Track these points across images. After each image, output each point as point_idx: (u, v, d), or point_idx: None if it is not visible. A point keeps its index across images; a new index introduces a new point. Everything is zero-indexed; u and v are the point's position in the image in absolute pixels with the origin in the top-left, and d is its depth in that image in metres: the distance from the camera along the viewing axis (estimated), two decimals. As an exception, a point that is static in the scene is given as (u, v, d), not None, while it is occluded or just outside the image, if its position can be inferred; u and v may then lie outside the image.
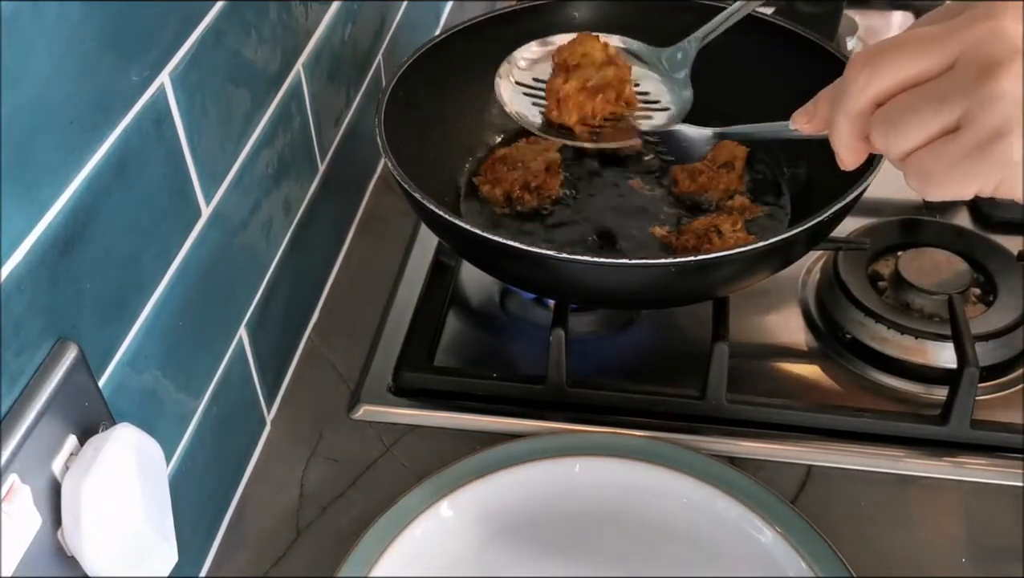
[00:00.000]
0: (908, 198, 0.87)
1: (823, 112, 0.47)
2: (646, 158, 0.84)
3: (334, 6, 0.78)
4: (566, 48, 0.76)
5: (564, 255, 0.62)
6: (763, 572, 0.60)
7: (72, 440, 0.45)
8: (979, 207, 0.86)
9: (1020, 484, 0.66)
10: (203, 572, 0.63)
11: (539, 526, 0.64)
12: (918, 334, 0.72)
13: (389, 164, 0.69)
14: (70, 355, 0.45)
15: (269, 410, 0.73)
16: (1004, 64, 0.38)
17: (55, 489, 0.44)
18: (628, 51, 0.78)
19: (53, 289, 0.44)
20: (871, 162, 0.65)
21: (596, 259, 0.63)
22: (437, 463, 0.65)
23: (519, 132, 0.85)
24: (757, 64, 0.78)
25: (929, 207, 0.86)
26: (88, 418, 0.46)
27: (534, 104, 0.76)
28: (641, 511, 0.64)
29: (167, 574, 0.50)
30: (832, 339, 0.76)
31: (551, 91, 0.74)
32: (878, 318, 0.73)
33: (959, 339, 0.68)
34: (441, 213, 0.65)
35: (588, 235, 0.79)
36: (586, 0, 0.86)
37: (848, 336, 0.75)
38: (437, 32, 1.02)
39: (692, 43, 0.76)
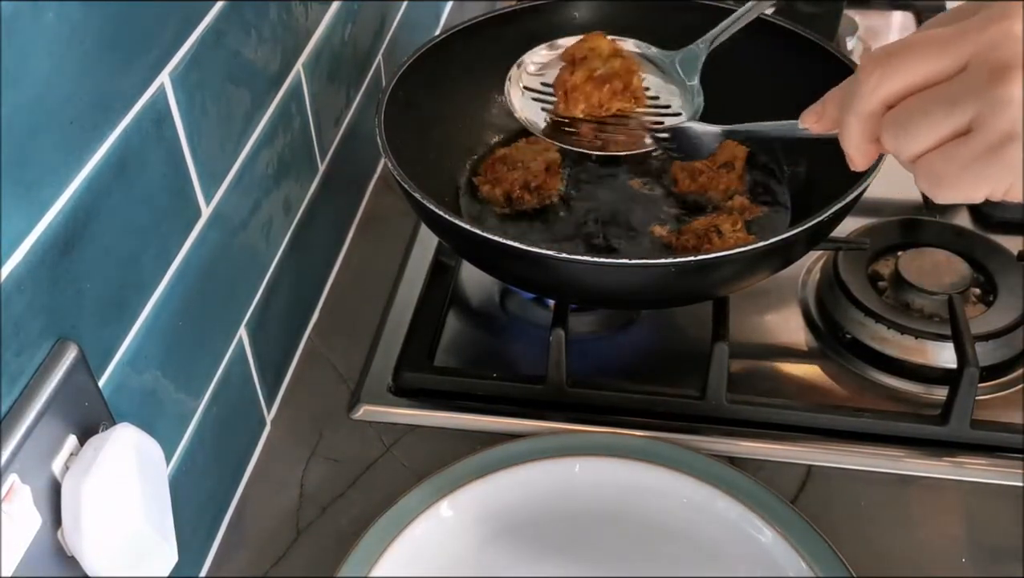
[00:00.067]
0: (908, 198, 0.87)
1: (832, 112, 0.47)
2: (655, 153, 0.83)
3: (334, 6, 0.78)
4: (574, 45, 0.76)
5: (564, 255, 0.62)
6: (763, 572, 0.60)
7: (72, 440, 0.45)
8: (979, 207, 0.86)
9: (1020, 484, 0.66)
10: (203, 572, 0.63)
11: (539, 526, 0.64)
12: (918, 334, 0.72)
13: (389, 164, 0.69)
14: (70, 355, 0.45)
15: (269, 410, 0.73)
16: (1016, 67, 0.38)
17: (55, 489, 0.44)
18: (643, 56, 0.77)
19: (53, 289, 0.44)
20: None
21: (596, 259, 0.63)
22: (437, 463, 0.65)
23: (519, 132, 0.85)
24: (757, 64, 0.78)
25: (929, 207, 0.86)
26: (88, 418, 0.46)
27: (543, 109, 0.76)
28: (641, 511, 0.64)
29: (167, 574, 0.50)
30: (832, 339, 0.76)
31: (559, 84, 0.74)
32: (878, 318, 0.73)
33: (959, 339, 0.68)
34: (441, 213, 0.65)
35: (588, 235, 0.79)
36: (586, 0, 0.86)
37: (848, 336, 0.75)
38: (437, 32, 1.02)
39: (701, 46, 0.76)
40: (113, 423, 0.48)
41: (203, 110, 0.57)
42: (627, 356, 0.77)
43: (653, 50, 0.78)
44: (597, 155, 0.76)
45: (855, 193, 0.64)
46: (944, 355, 0.72)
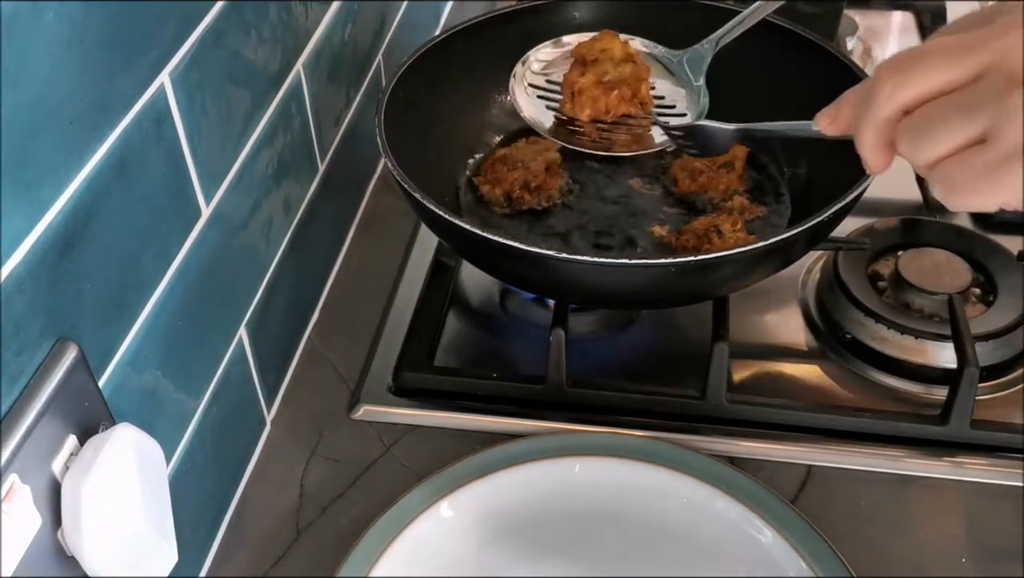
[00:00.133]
0: (908, 198, 0.87)
1: (846, 115, 0.47)
2: (669, 149, 0.83)
3: (334, 6, 0.78)
4: (586, 44, 0.76)
5: (564, 255, 0.62)
6: (763, 572, 0.60)
7: (72, 440, 0.45)
8: (979, 207, 0.86)
9: (1020, 484, 0.66)
10: (203, 572, 0.63)
11: (539, 526, 0.64)
12: (918, 334, 0.72)
13: (389, 164, 0.69)
14: (70, 355, 0.45)
15: (269, 410, 0.73)
16: None
17: (55, 489, 0.44)
18: (651, 55, 0.77)
19: (53, 289, 0.44)
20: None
21: (596, 259, 0.63)
22: (437, 463, 0.65)
23: (519, 132, 0.85)
24: (757, 63, 0.78)
25: (929, 207, 0.86)
26: (88, 418, 0.46)
27: (548, 108, 0.76)
28: (641, 511, 0.64)
29: (167, 574, 0.50)
30: (832, 339, 0.76)
31: (567, 84, 0.74)
32: (878, 318, 0.73)
33: (959, 339, 0.68)
34: (441, 213, 0.65)
35: (588, 235, 0.79)
36: (586, 0, 0.86)
37: (848, 336, 0.75)
38: (437, 32, 1.02)
39: (707, 46, 0.76)
40: (113, 423, 0.48)
41: (203, 110, 0.57)
42: (627, 356, 0.77)
43: (660, 49, 0.78)
44: (601, 155, 0.76)
45: (855, 193, 0.64)
46: (944, 355, 0.72)
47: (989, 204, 0.40)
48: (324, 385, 0.75)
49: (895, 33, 1.13)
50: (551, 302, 0.74)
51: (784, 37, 0.80)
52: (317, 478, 0.69)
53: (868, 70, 0.95)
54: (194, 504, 0.61)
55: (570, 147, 0.74)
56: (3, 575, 0.40)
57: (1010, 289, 0.75)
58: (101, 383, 0.49)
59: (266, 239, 0.69)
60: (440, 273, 0.82)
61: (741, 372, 0.74)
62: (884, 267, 0.78)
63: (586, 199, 0.82)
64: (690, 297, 0.71)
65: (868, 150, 0.44)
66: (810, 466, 0.68)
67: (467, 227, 0.65)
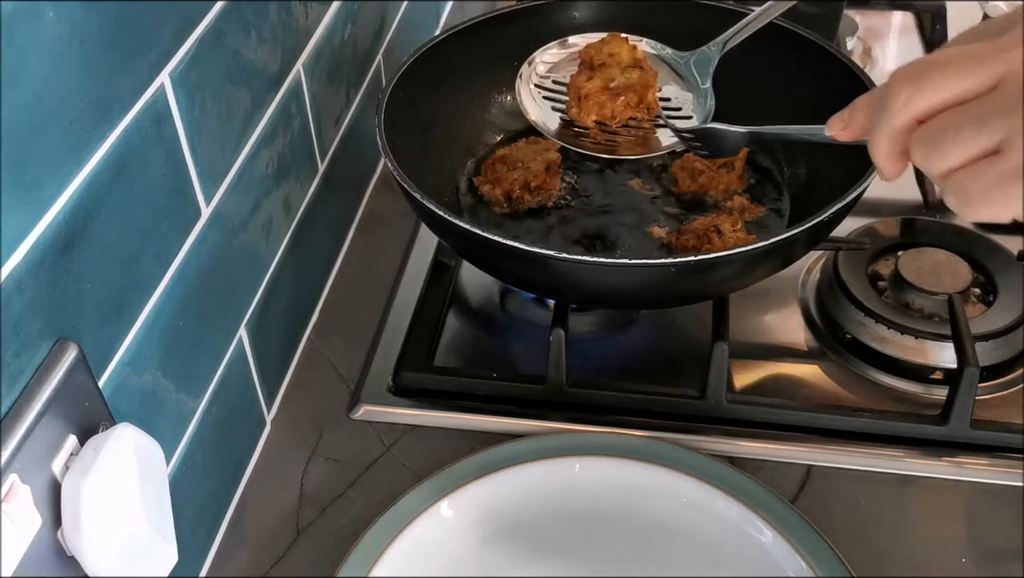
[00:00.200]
0: (908, 198, 0.87)
1: (859, 121, 0.47)
2: (678, 151, 0.82)
3: (334, 6, 0.78)
4: (594, 46, 0.76)
5: (564, 255, 0.62)
6: (763, 572, 0.60)
7: (72, 440, 0.45)
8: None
9: (1020, 484, 0.66)
10: (203, 572, 0.63)
11: (539, 526, 0.64)
12: (918, 334, 0.72)
13: (389, 164, 0.69)
14: (70, 355, 0.45)
15: (269, 410, 0.73)
16: None
17: (55, 489, 0.44)
18: (658, 57, 0.77)
19: (53, 289, 0.44)
20: (871, 162, 0.65)
21: (596, 259, 0.63)
22: (437, 463, 0.65)
23: (519, 132, 0.85)
24: (756, 63, 0.78)
25: (929, 207, 0.86)
26: (88, 418, 0.46)
27: (553, 109, 0.75)
28: (641, 511, 0.64)
29: (167, 574, 0.50)
30: (832, 339, 0.76)
31: (573, 87, 0.74)
32: (878, 318, 0.73)
33: (959, 339, 0.68)
34: (441, 213, 0.65)
35: (588, 235, 0.79)
36: (586, 0, 0.86)
37: (848, 336, 0.75)
38: (437, 32, 1.02)
39: (714, 49, 0.76)
40: (113, 423, 0.48)
41: (203, 110, 0.57)
42: (627, 356, 0.77)
43: (668, 51, 0.78)
44: (602, 156, 0.76)
45: (855, 193, 0.64)
46: (944, 355, 0.72)
47: (1001, 215, 0.40)
48: (324, 385, 0.75)
49: (895, 33, 1.13)
50: (551, 302, 0.74)
51: (784, 37, 0.80)
52: (317, 478, 0.69)
53: (868, 70, 0.95)
54: (194, 504, 0.61)
55: (575, 149, 0.74)
56: (3, 575, 0.40)
57: (1010, 289, 0.75)
58: (101, 383, 0.49)
59: (266, 239, 0.69)
60: (440, 273, 0.82)
61: (741, 372, 0.74)
62: (884, 267, 0.78)
63: (586, 199, 0.82)
64: (690, 297, 0.71)
65: (882, 158, 0.44)
66: (810, 466, 0.68)
67: (467, 227, 0.65)
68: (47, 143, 0.43)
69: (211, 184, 0.60)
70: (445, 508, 0.63)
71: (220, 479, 0.65)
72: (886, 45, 1.11)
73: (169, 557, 0.49)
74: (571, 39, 0.79)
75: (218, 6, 0.58)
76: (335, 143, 0.82)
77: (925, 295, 0.74)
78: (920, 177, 0.87)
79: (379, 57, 0.93)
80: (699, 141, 0.69)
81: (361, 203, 0.92)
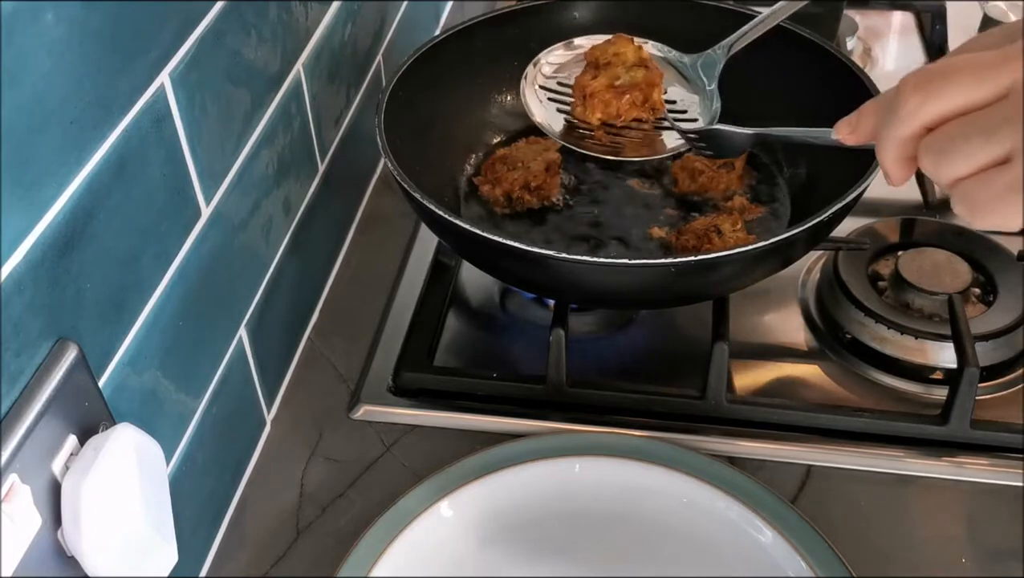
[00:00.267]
0: (908, 198, 0.87)
1: (867, 126, 0.47)
2: (684, 151, 0.82)
3: (334, 6, 0.78)
4: (599, 47, 0.76)
5: (564, 255, 0.62)
6: (763, 572, 0.60)
7: (72, 440, 0.45)
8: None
9: (1020, 484, 0.66)
10: (203, 572, 0.63)
11: (539, 526, 0.64)
12: (918, 334, 0.72)
13: (389, 164, 0.69)
14: (70, 355, 0.45)
15: (269, 410, 0.73)
16: None
17: (55, 489, 0.44)
18: (664, 59, 0.77)
19: (53, 289, 0.44)
20: (870, 162, 0.65)
21: (596, 259, 0.63)
22: (437, 463, 0.65)
23: (519, 132, 0.85)
24: (756, 63, 0.78)
25: (929, 207, 0.86)
26: (88, 418, 0.46)
27: (559, 111, 0.75)
28: (641, 511, 0.64)
29: (167, 574, 0.50)
30: (832, 339, 0.76)
31: (578, 86, 0.74)
32: (878, 318, 0.73)
33: (959, 339, 0.68)
34: (441, 213, 0.65)
35: (588, 235, 0.79)
36: (586, 0, 0.86)
37: (848, 336, 0.75)
38: (437, 32, 1.02)
39: (720, 52, 0.76)
40: (113, 423, 0.48)
41: (203, 110, 0.57)
42: (627, 356, 0.77)
43: (674, 54, 0.78)
44: (609, 159, 0.76)
45: (855, 193, 0.64)
46: (944, 355, 0.72)
47: (1009, 224, 0.40)
48: (324, 385, 0.75)
49: (895, 33, 1.13)
50: (551, 302, 0.74)
51: (784, 37, 0.80)
52: (317, 478, 0.69)
53: (868, 70, 0.95)
54: (194, 504, 0.61)
55: (581, 151, 0.74)
56: (3, 575, 0.40)
57: (1010, 289, 0.75)
58: (101, 383, 0.49)
59: (266, 239, 0.69)
60: (440, 273, 0.82)
61: (741, 372, 0.74)
62: (884, 267, 0.78)
63: (586, 199, 0.82)
64: (690, 297, 0.71)
65: (890, 164, 0.44)
66: (810, 466, 0.68)
67: (467, 227, 0.65)
68: (47, 143, 0.43)
69: (211, 184, 0.60)
70: (445, 508, 0.63)
71: (220, 479, 0.65)
72: (886, 45, 1.11)
73: (169, 557, 0.49)
74: (577, 41, 0.79)
75: (218, 6, 0.58)
76: (335, 143, 0.82)
77: (925, 295, 0.74)
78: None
79: (379, 57, 0.93)
80: (704, 142, 0.69)
81: (361, 203, 0.92)
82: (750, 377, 0.74)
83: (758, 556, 0.61)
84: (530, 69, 0.78)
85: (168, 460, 0.57)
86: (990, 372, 0.71)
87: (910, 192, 0.87)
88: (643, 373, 0.75)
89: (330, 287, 0.84)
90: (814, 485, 0.67)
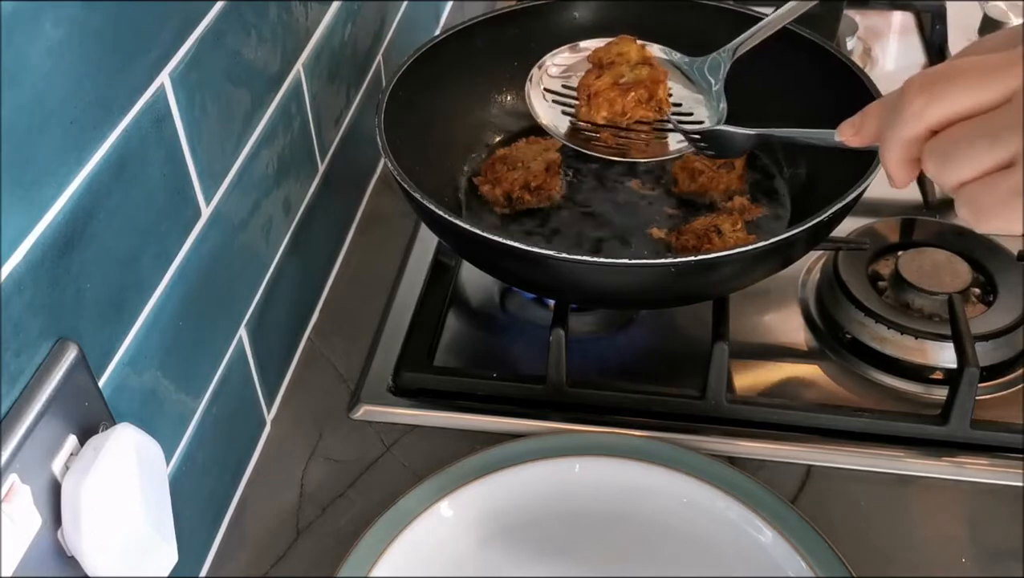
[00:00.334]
0: (908, 198, 0.87)
1: (870, 128, 0.47)
2: (690, 153, 0.81)
3: (334, 6, 0.78)
4: (602, 48, 0.76)
5: (564, 255, 0.62)
6: (763, 572, 0.60)
7: (72, 440, 0.45)
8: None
9: (1020, 484, 0.66)
10: (203, 572, 0.63)
11: (539, 526, 0.64)
12: (918, 334, 0.72)
13: (389, 164, 0.69)
14: (70, 355, 0.45)
15: (269, 410, 0.73)
16: None
17: (55, 489, 0.44)
18: (669, 62, 0.77)
19: (53, 289, 0.44)
20: (871, 162, 0.65)
21: (596, 259, 0.63)
22: (437, 463, 0.65)
23: (519, 132, 0.85)
24: (755, 63, 0.78)
25: (929, 207, 0.86)
26: (88, 418, 0.46)
27: (564, 113, 0.75)
28: (641, 511, 0.64)
29: (167, 574, 0.50)
30: (832, 339, 0.76)
31: (582, 87, 0.74)
32: (878, 318, 0.73)
33: (959, 339, 0.68)
34: (441, 213, 0.65)
35: (588, 235, 0.79)
36: (586, 0, 0.86)
37: (848, 336, 0.75)
38: (437, 32, 1.02)
39: (724, 55, 0.76)
40: (113, 423, 0.48)
41: (203, 110, 0.57)
42: (627, 356, 0.77)
43: (677, 56, 0.78)
44: (615, 160, 0.76)
45: (855, 193, 0.64)
46: (944, 355, 0.72)
47: (1013, 228, 0.40)
48: (324, 385, 0.75)
49: (895, 33, 1.13)
50: (551, 302, 0.74)
51: (784, 37, 0.80)
52: (317, 478, 0.69)
53: (868, 70, 0.95)
54: (194, 504, 0.61)
55: (586, 152, 0.74)
56: (3, 575, 0.40)
57: (1010, 289, 0.75)
58: (101, 383, 0.49)
59: (266, 239, 0.69)
60: (440, 273, 0.82)
61: (741, 372, 0.74)
62: (884, 267, 0.78)
63: (586, 199, 0.82)
64: (690, 297, 0.71)
65: (893, 166, 0.44)
66: (810, 466, 0.68)
67: (467, 227, 0.65)
68: (47, 143, 0.43)
69: (211, 184, 0.60)
70: (445, 508, 0.63)
71: (220, 479, 0.65)
72: (886, 45, 1.11)
73: (169, 557, 0.49)
74: (582, 43, 0.78)
75: (218, 6, 0.58)
76: (335, 143, 0.83)
77: (925, 295, 0.74)
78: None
79: (379, 57, 0.93)
80: (706, 142, 0.69)
81: (361, 203, 0.92)
82: (750, 377, 0.74)
83: (758, 556, 0.61)
84: (535, 71, 0.77)
85: (168, 460, 0.57)
86: (990, 372, 0.71)
87: (910, 192, 0.87)
88: (643, 373, 0.75)
89: (330, 287, 0.84)
90: (814, 485, 0.67)
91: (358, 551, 0.60)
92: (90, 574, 0.45)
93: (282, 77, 0.70)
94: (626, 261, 0.63)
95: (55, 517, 0.44)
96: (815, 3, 0.75)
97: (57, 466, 0.44)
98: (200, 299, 0.59)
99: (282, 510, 0.67)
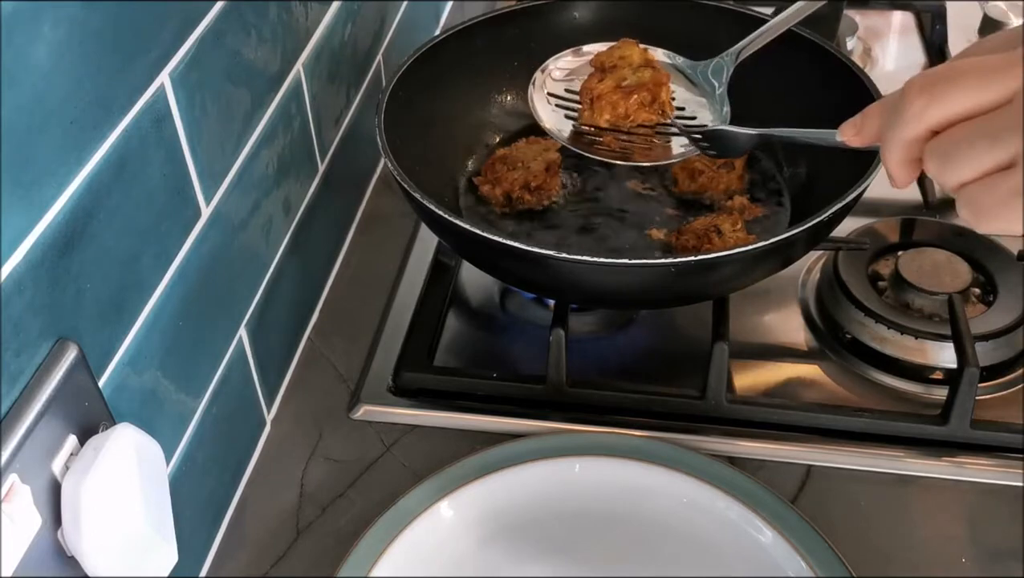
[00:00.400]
0: (908, 198, 0.87)
1: (871, 128, 0.47)
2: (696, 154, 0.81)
3: (334, 6, 0.78)
4: (604, 52, 0.75)
5: (564, 255, 0.62)
6: (763, 572, 0.60)
7: (72, 440, 0.45)
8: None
9: (1020, 484, 0.66)
10: (203, 572, 0.63)
11: (539, 526, 0.64)
12: (918, 334, 0.72)
13: (389, 164, 0.69)
14: (70, 355, 0.45)
15: (269, 410, 0.73)
16: None
17: (55, 489, 0.44)
18: (672, 66, 0.77)
19: (53, 289, 0.44)
20: (871, 162, 0.65)
21: (596, 259, 0.63)
22: (437, 463, 0.65)
23: (519, 132, 0.85)
24: (755, 62, 0.78)
25: (929, 207, 0.86)
26: (88, 418, 0.46)
27: (567, 117, 0.75)
28: (641, 511, 0.64)
29: (167, 574, 0.50)
30: (832, 339, 0.76)
31: (585, 91, 0.74)
32: (878, 318, 0.73)
33: (959, 339, 0.68)
34: (441, 213, 0.65)
35: (588, 235, 0.79)
36: (586, 0, 0.86)
37: (848, 336, 0.75)
38: (437, 32, 1.02)
39: (727, 59, 0.76)
40: (113, 423, 0.48)
41: (203, 110, 0.57)
42: (627, 356, 0.77)
43: (680, 60, 0.78)
44: (619, 164, 0.76)
45: (855, 193, 0.64)
46: (944, 355, 0.72)
47: (1014, 228, 0.40)
48: (324, 385, 0.75)
49: (895, 33, 1.13)
50: (551, 302, 0.74)
51: (784, 37, 0.80)
52: (317, 478, 0.69)
53: (868, 70, 0.95)
54: (194, 504, 0.61)
55: (590, 156, 0.73)
56: (3, 575, 0.40)
57: (1010, 289, 0.75)
58: (101, 383, 0.49)
59: (266, 239, 0.69)
60: (440, 273, 0.82)
61: (741, 372, 0.74)
62: (884, 267, 0.78)
63: (586, 199, 0.82)
64: (690, 297, 0.71)
65: (894, 166, 0.44)
66: (810, 466, 0.68)
67: (467, 227, 0.65)
68: (47, 143, 0.43)
69: (211, 184, 0.60)
70: (445, 508, 0.63)
71: (220, 479, 0.65)
72: (886, 45, 1.11)
73: (169, 557, 0.49)
74: (585, 47, 0.78)
75: (218, 6, 0.58)
76: (335, 143, 0.82)
77: (925, 295, 0.74)
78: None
79: (379, 57, 0.93)
80: (708, 142, 0.69)
81: (361, 203, 0.92)
82: (750, 377, 0.74)
83: (758, 556, 0.61)
84: (538, 75, 0.77)
85: (168, 460, 0.57)
86: (990, 372, 0.71)
87: (910, 192, 0.87)
88: (643, 373, 0.75)
89: (330, 287, 0.84)
90: (814, 485, 0.67)
91: (358, 551, 0.60)
92: (90, 574, 0.45)
93: (282, 77, 0.70)
94: (626, 261, 0.63)
95: (55, 517, 0.44)
96: (820, 5, 0.75)
97: (57, 466, 0.44)
98: (200, 299, 0.59)
99: (282, 510, 0.67)
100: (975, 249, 0.78)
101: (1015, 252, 0.77)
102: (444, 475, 0.64)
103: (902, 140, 0.43)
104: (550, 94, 0.76)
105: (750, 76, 0.78)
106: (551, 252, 0.62)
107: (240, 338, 0.66)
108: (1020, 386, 0.72)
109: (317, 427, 0.72)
